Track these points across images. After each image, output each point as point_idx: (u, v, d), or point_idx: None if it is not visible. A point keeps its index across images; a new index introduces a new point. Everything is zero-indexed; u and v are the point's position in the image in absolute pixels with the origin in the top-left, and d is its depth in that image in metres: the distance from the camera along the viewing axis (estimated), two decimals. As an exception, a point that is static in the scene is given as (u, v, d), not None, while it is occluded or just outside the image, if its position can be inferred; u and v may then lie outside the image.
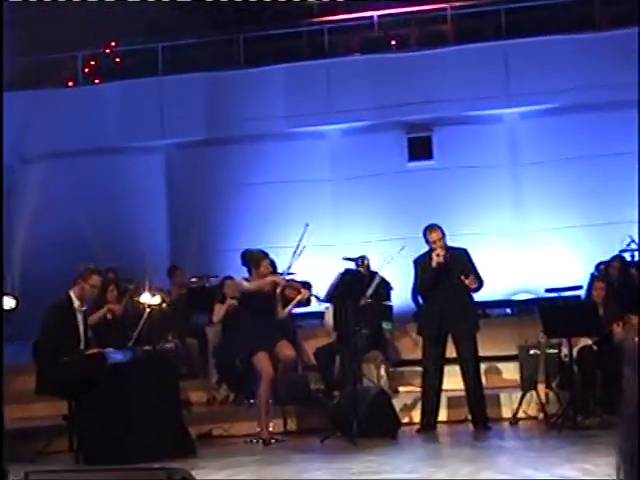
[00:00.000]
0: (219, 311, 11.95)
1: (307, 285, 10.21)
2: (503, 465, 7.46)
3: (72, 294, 9.22)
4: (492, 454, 8.27)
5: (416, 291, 10.65)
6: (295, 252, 10.04)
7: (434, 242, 9.99)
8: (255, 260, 9.85)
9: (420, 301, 10.60)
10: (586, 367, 9.98)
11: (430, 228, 10.10)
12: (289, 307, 9.99)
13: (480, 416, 10.10)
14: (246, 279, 9.92)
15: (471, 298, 10.13)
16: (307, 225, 9.99)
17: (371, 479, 7.06)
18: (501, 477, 6.87)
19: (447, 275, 9.95)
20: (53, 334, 9.14)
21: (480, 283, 10.01)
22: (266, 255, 9.94)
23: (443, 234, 10.04)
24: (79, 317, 9.25)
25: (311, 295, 10.09)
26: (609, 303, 10.44)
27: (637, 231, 12.92)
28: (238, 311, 10.50)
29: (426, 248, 10.11)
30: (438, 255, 9.89)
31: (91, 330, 9.85)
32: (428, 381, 10.13)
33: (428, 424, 10.06)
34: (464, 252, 10.24)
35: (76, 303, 9.22)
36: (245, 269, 9.97)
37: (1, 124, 10.42)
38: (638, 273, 12.35)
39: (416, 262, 10.25)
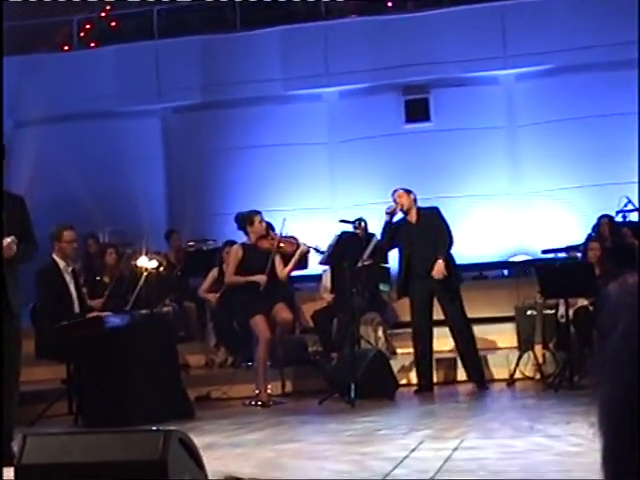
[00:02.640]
0: (208, 281, 11.96)
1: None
2: (500, 425, 7.50)
3: (55, 257, 9.27)
4: (489, 414, 8.32)
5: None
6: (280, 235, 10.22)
7: (394, 201, 10.19)
8: (249, 219, 9.93)
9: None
10: (582, 327, 10.01)
11: (394, 192, 10.32)
12: (290, 265, 9.94)
13: (477, 376, 10.16)
14: (243, 244, 9.96)
15: (450, 257, 10.17)
16: (284, 220, 10.16)
17: (369, 440, 7.10)
18: (498, 437, 6.91)
19: (421, 235, 10.03)
20: (46, 298, 9.22)
21: (450, 241, 10.18)
22: (258, 212, 10.02)
23: (407, 192, 10.22)
24: (67, 278, 9.29)
25: (310, 248, 10.05)
26: (604, 263, 10.46)
27: (637, 192, 12.91)
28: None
29: None
30: (389, 207, 10.14)
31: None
32: (419, 343, 10.19)
33: (425, 385, 10.12)
34: (436, 211, 10.37)
35: (61, 264, 9.27)
36: (242, 233, 10.04)
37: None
38: (634, 233, 12.33)
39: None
